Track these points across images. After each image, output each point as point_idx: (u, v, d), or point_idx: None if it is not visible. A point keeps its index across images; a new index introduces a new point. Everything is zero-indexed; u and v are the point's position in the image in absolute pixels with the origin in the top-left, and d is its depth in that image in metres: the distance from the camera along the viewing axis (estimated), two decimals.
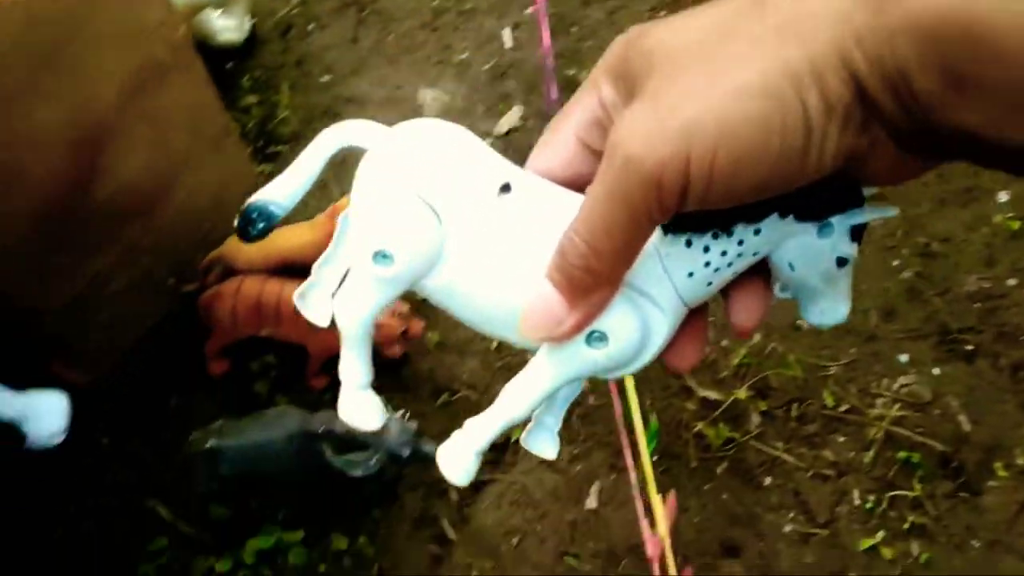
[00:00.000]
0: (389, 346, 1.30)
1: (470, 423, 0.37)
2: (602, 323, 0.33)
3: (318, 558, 1.29)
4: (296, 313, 1.18)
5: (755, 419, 1.38)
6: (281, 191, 0.39)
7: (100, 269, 1.29)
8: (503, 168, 0.37)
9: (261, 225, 0.38)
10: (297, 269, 1.37)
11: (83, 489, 1.33)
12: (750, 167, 0.25)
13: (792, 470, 1.35)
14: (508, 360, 1.44)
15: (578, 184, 0.32)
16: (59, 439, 1.07)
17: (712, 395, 1.39)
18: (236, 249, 1.37)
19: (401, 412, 1.17)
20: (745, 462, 1.35)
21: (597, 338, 0.34)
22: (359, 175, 0.38)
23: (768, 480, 1.34)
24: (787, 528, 1.31)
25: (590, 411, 1.39)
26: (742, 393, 1.39)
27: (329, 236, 1.28)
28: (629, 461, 1.28)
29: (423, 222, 0.38)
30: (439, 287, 0.37)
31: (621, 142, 0.26)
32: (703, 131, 0.24)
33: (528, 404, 0.36)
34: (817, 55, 0.23)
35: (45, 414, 1.05)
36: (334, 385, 1.32)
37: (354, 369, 0.39)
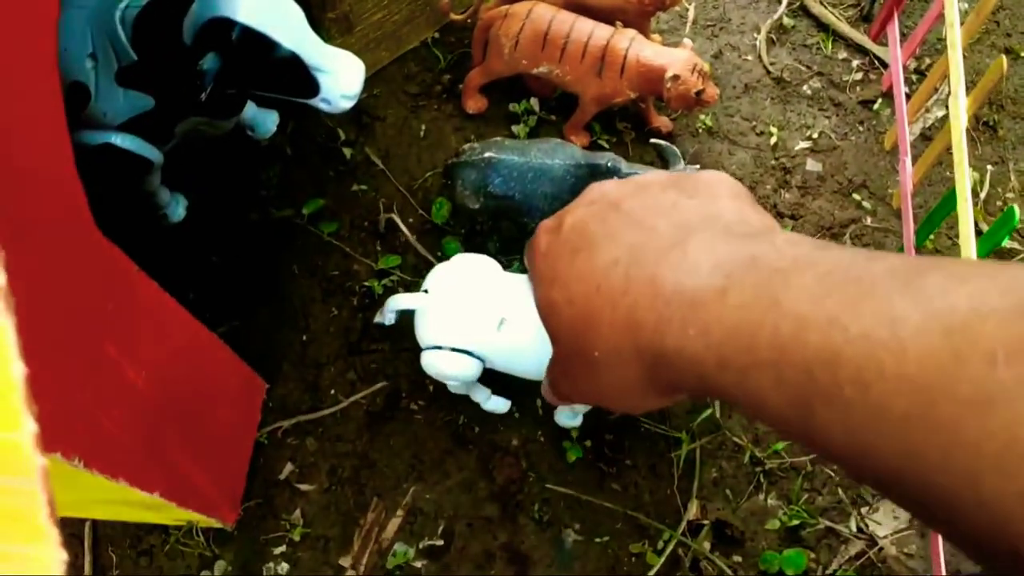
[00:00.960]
0: (679, 104, 1.18)
1: (556, 414, 1.07)
2: None
3: None
4: (583, 52, 1.10)
5: None
6: (388, 310, 0.99)
7: None
8: (500, 305, 0.89)
9: (389, 325, 1.02)
10: (587, 11, 1.26)
11: (320, 192, 1.29)
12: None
13: None
14: (782, 161, 1.31)
15: None
16: (349, 104, 0.99)
17: (1006, 243, 1.25)
18: None
19: (697, 165, 1.07)
20: None
21: None
22: (419, 328, 0.97)
23: None
24: None
25: (865, 232, 1.26)
26: None
27: None
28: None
29: (464, 363, 0.93)
30: (491, 367, 0.94)
31: (545, 390, 0.52)
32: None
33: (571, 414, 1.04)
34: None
35: (344, 72, 0.97)
36: (595, 147, 1.22)
37: (478, 397, 1.10)
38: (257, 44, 0.91)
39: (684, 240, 0.36)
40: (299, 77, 0.96)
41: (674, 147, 1.06)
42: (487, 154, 1.09)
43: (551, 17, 1.20)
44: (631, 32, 1.20)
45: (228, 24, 0.89)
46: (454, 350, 0.94)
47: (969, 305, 0.27)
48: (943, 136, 1.11)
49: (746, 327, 0.32)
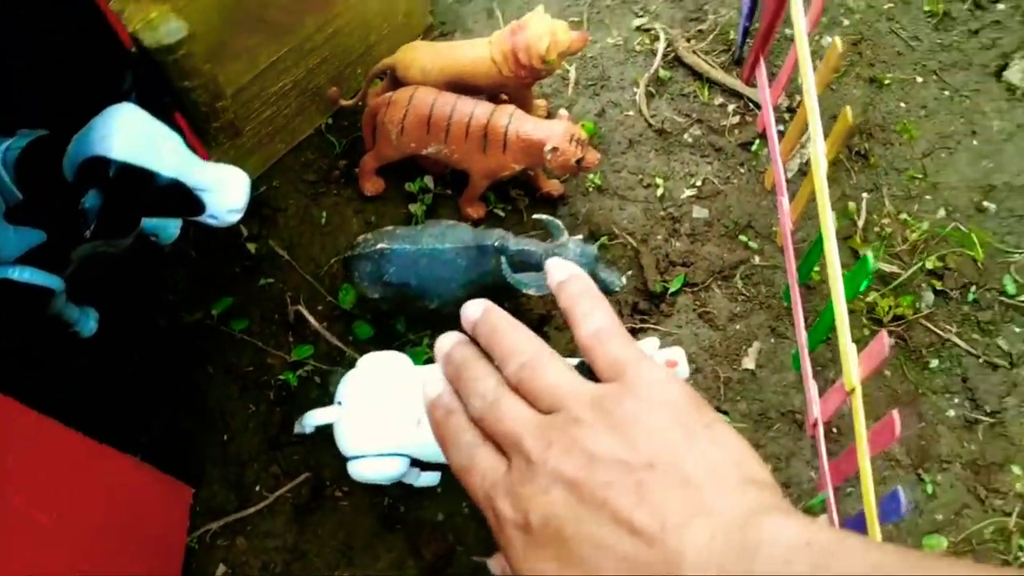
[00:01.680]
0: (562, 172, 1.24)
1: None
2: None
3: None
4: (466, 131, 1.16)
5: (928, 298, 1.31)
6: (306, 424, 1.01)
7: (273, 60, 1.24)
8: (414, 401, 0.87)
9: (307, 433, 1.05)
10: (468, 88, 1.31)
11: (228, 290, 1.31)
12: None
13: (962, 355, 1.28)
14: (671, 211, 1.37)
15: None
16: (236, 216, 1.03)
17: (886, 267, 1.32)
18: (411, 59, 1.30)
19: (579, 236, 1.12)
20: (913, 340, 1.29)
21: None
22: (340, 441, 0.99)
23: (935, 362, 1.27)
24: (951, 412, 1.24)
25: (755, 271, 1.32)
26: (919, 268, 1.31)
27: (504, 54, 1.26)
28: (800, 320, 1.22)
29: (389, 465, 0.97)
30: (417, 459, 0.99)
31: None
32: None
33: None
34: None
35: (227, 187, 1.01)
36: (489, 217, 1.27)
37: (409, 479, 1.10)
38: (136, 177, 0.94)
39: (680, 553, 0.36)
40: (183, 200, 0.99)
41: (557, 221, 1.10)
42: (380, 245, 1.13)
43: (432, 101, 1.24)
44: (510, 108, 1.25)
45: (105, 162, 0.92)
46: (378, 456, 0.97)
47: None
48: (811, 177, 1.17)
49: None
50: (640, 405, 0.39)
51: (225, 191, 1.01)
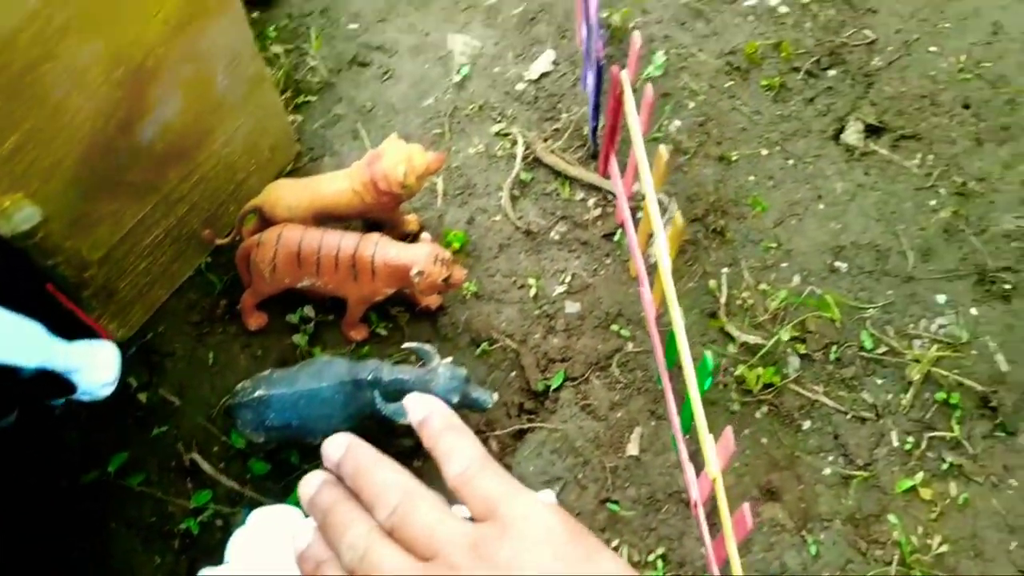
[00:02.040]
0: (432, 292, 1.29)
1: None
2: None
3: None
4: (335, 263, 1.21)
5: (794, 362, 1.39)
6: None
7: (140, 217, 1.28)
8: None
9: None
10: (335, 218, 1.37)
11: (122, 444, 1.34)
12: None
13: (831, 413, 1.36)
14: (545, 309, 1.43)
15: None
16: (109, 390, 1.07)
17: (751, 339, 1.39)
18: (276, 198, 1.35)
19: (450, 358, 1.17)
20: (784, 406, 1.36)
21: None
22: None
23: (807, 423, 1.35)
24: (826, 471, 1.32)
25: (629, 358, 1.39)
26: (780, 337, 1.39)
27: (364, 184, 1.33)
28: (671, 406, 1.28)
29: None
30: None
31: None
32: None
33: None
34: None
35: (96, 364, 1.05)
36: (373, 337, 1.31)
37: None
38: None
39: None
40: (53, 385, 1.02)
41: (426, 347, 1.16)
42: (258, 393, 1.17)
43: (299, 238, 1.29)
44: (375, 237, 1.30)
45: None
46: None
47: None
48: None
49: None
50: (518, 545, 0.39)
51: (94, 369, 1.05)
